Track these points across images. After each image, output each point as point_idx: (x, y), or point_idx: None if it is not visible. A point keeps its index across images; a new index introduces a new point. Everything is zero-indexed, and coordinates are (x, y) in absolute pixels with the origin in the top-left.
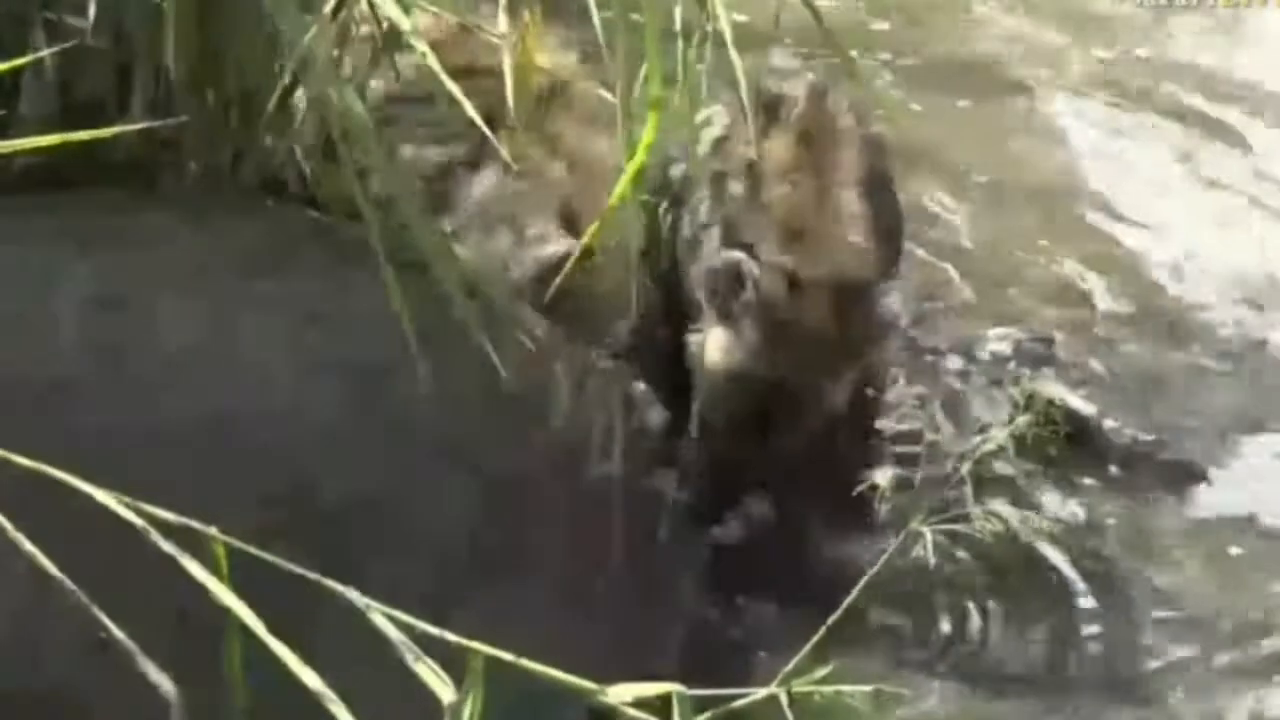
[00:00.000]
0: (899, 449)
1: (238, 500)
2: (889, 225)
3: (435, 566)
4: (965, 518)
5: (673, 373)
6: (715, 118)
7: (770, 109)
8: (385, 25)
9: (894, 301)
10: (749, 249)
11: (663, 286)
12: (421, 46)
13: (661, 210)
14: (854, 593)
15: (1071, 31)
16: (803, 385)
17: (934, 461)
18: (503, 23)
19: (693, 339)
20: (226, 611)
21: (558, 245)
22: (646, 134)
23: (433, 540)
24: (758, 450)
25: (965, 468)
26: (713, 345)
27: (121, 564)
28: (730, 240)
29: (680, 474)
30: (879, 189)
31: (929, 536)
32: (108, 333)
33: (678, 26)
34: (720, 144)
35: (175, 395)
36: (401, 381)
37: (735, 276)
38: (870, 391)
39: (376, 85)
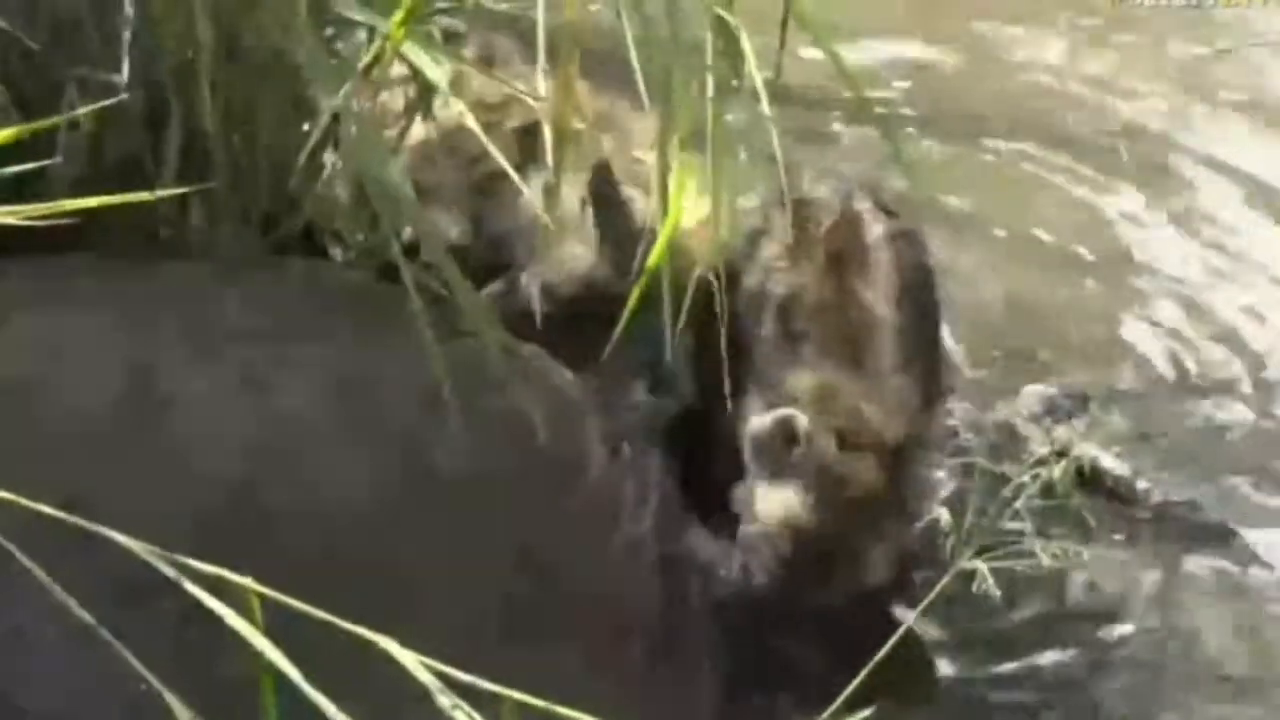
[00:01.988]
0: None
1: (268, 564)
2: (930, 337)
3: (466, 631)
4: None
5: (704, 463)
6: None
7: (798, 214)
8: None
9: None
10: (781, 394)
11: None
12: (458, 104)
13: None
14: (900, 632)
15: (1103, 81)
16: (851, 544)
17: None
18: (540, 81)
19: (739, 491)
20: (261, 659)
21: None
22: (674, 202)
23: (464, 606)
24: (795, 604)
25: (1019, 503)
26: (762, 498)
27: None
28: (767, 389)
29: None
30: (917, 294)
31: (984, 571)
32: (140, 395)
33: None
34: (757, 239)
35: (206, 458)
36: (436, 444)
37: (787, 435)
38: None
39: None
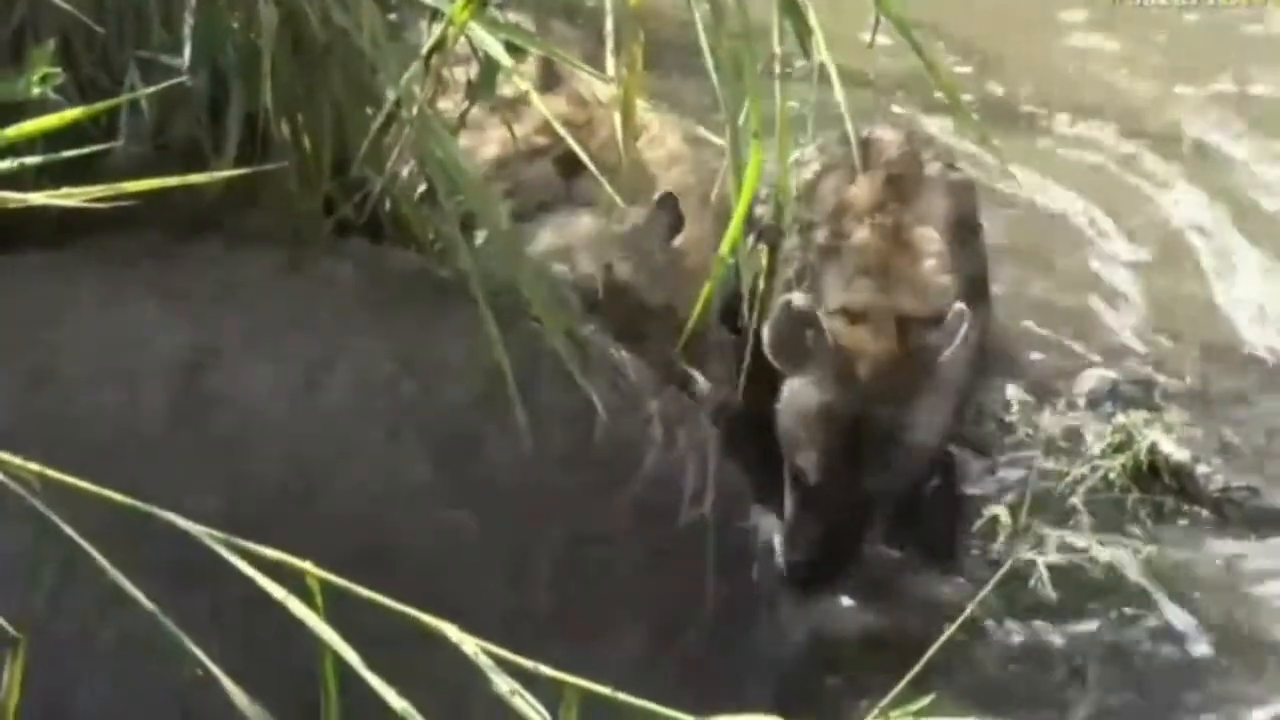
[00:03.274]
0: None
1: (325, 552)
2: (971, 269)
3: (522, 619)
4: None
5: (759, 435)
6: (807, 159)
7: (861, 153)
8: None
9: (970, 337)
10: (820, 294)
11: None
12: (523, 84)
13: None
14: (958, 622)
15: (1159, 69)
16: (881, 413)
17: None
18: (609, 65)
19: (777, 400)
20: (321, 644)
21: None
22: (749, 176)
23: (520, 594)
24: (854, 490)
25: (1077, 497)
26: (788, 393)
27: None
28: (804, 287)
29: (785, 538)
30: (965, 234)
31: (1042, 567)
32: (203, 387)
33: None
34: (811, 187)
35: (263, 450)
36: (493, 433)
37: (800, 322)
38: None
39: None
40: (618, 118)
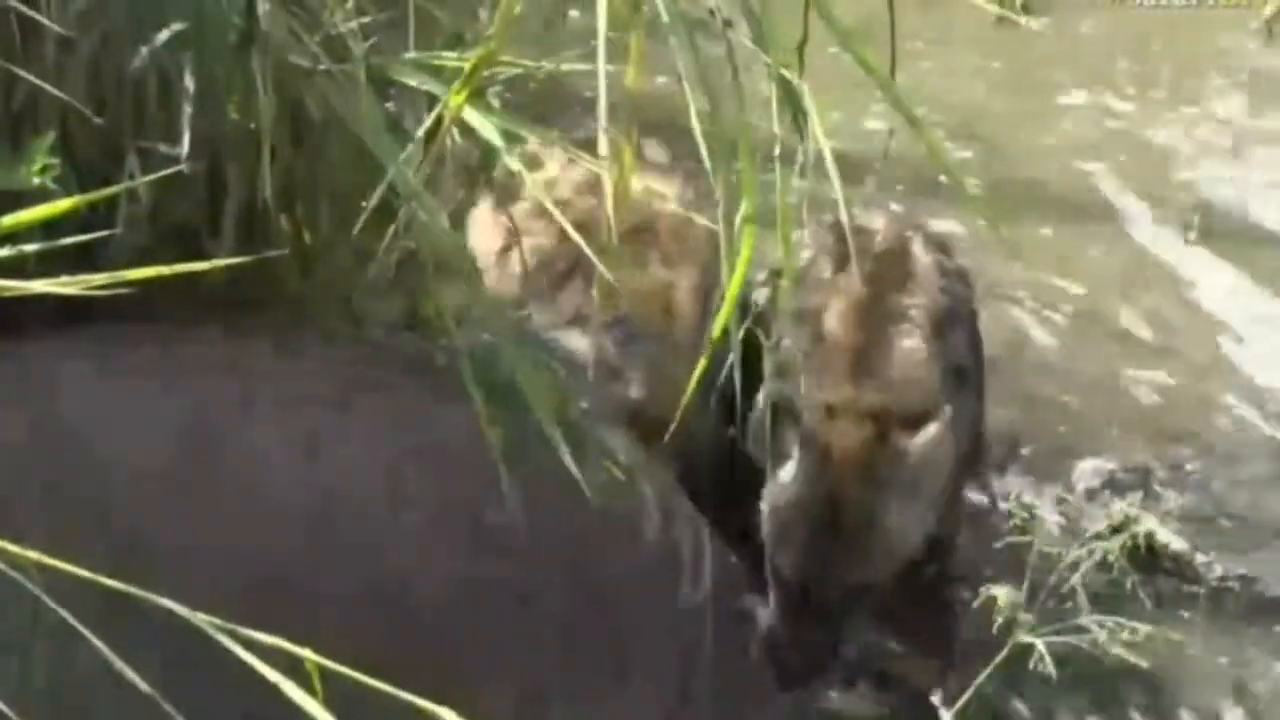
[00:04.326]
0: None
1: (327, 625)
2: (962, 360)
3: (529, 695)
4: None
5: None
6: (799, 246)
7: (850, 242)
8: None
9: (954, 432)
10: (801, 386)
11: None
12: (516, 165)
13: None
14: (961, 701)
15: (1157, 158)
16: (856, 509)
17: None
18: (602, 145)
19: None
20: None
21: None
22: (741, 261)
23: (523, 670)
24: (832, 587)
25: (1075, 579)
26: (770, 485)
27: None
28: (787, 378)
29: (766, 636)
30: (956, 325)
31: (1041, 648)
32: (205, 455)
33: (776, 151)
34: (799, 274)
35: (271, 514)
36: (496, 506)
37: (779, 415)
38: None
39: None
40: (609, 199)
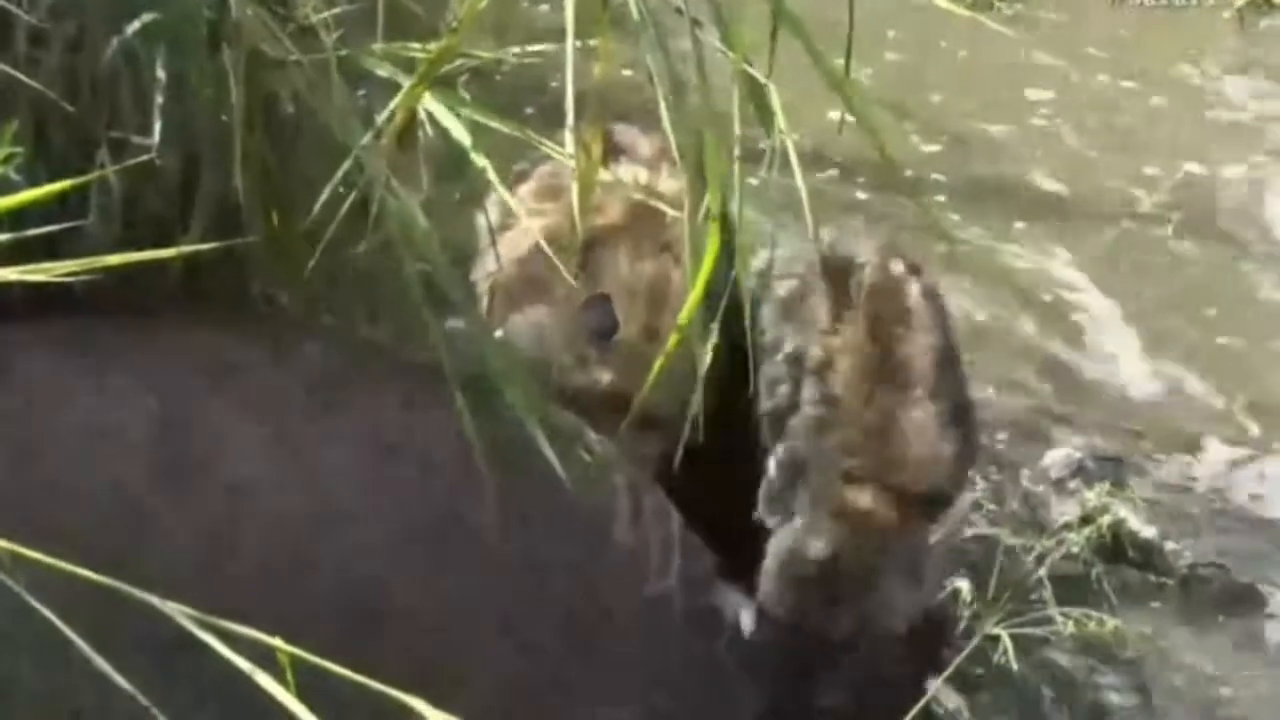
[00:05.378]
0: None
1: (304, 627)
2: (957, 400)
3: (505, 690)
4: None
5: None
6: (777, 262)
7: (838, 276)
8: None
9: (963, 507)
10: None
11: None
12: (482, 162)
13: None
14: (926, 697)
15: (1131, 150)
16: (859, 576)
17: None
18: (569, 143)
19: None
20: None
21: (608, 374)
22: (707, 259)
23: (501, 665)
24: (823, 632)
25: (1042, 571)
26: (774, 536)
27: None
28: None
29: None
30: (948, 369)
31: (1008, 641)
32: (173, 459)
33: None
34: (789, 307)
35: (255, 513)
36: (476, 502)
37: (796, 472)
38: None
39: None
40: (575, 195)
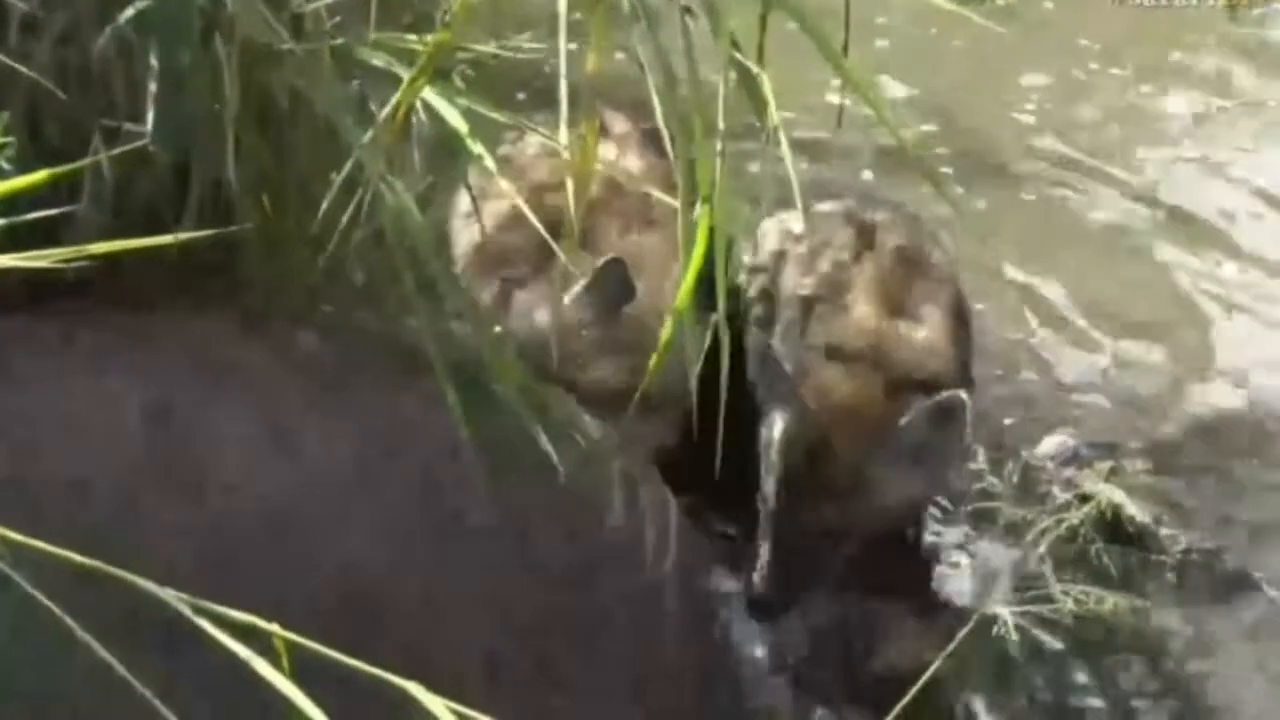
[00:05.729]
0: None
1: (292, 609)
2: (964, 356)
3: (494, 669)
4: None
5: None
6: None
7: (863, 234)
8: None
9: (961, 405)
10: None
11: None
12: (478, 149)
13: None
14: (928, 674)
15: (1121, 134)
16: (846, 460)
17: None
18: (563, 132)
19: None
20: (291, 707)
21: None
22: (699, 239)
23: (491, 651)
24: (812, 524)
25: (1042, 547)
26: (766, 424)
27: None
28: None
29: (744, 566)
30: (961, 323)
31: (1008, 618)
32: (173, 437)
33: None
34: (807, 261)
35: (241, 496)
36: (463, 487)
37: (779, 356)
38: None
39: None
40: (569, 184)
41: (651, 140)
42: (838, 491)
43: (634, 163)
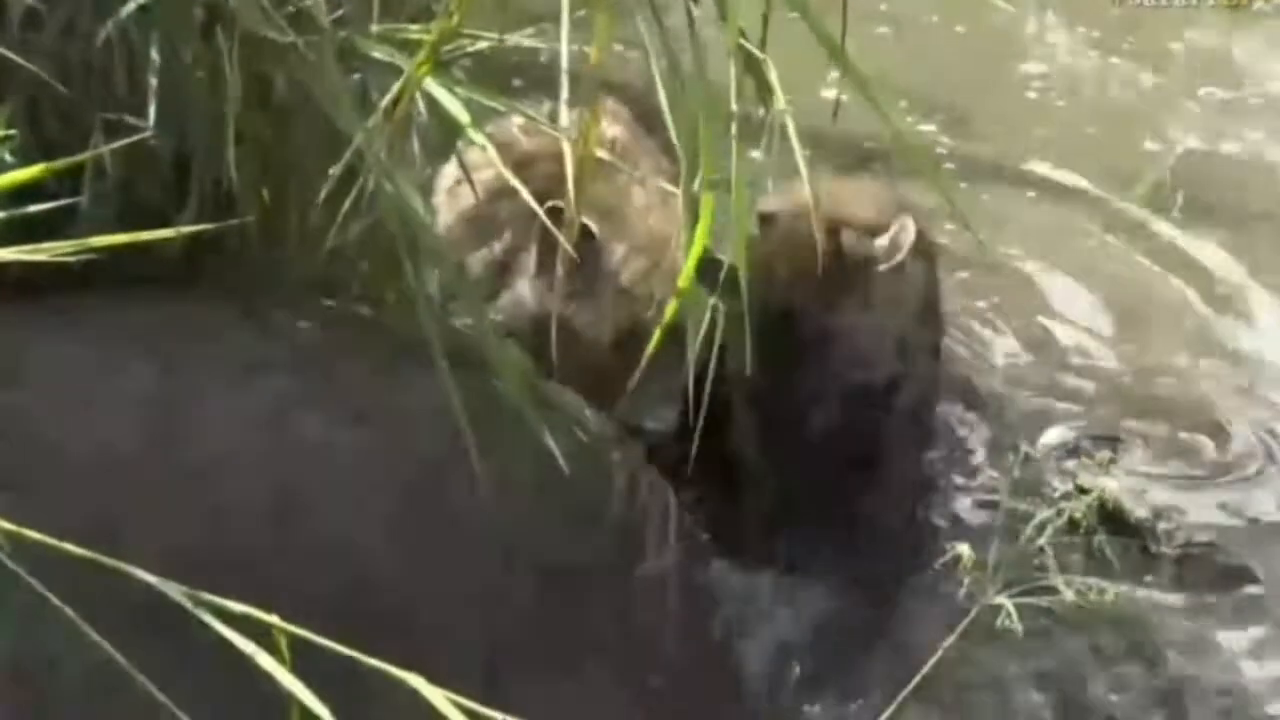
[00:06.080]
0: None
1: (291, 596)
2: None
3: (491, 658)
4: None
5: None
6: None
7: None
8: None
9: (892, 244)
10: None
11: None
12: (481, 140)
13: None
14: (928, 665)
15: (1122, 125)
16: (810, 315)
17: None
18: (564, 117)
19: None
20: (290, 698)
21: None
22: (700, 230)
23: (486, 637)
24: (787, 391)
25: (1043, 538)
26: None
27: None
28: None
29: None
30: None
31: (1010, 608)
32: (173, 420)
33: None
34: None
35: (240, 479)
36: (460, 475)
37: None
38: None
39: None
40: (569, 171)
41: (637, 117)
42: (808, 349)
43: (617, 131)
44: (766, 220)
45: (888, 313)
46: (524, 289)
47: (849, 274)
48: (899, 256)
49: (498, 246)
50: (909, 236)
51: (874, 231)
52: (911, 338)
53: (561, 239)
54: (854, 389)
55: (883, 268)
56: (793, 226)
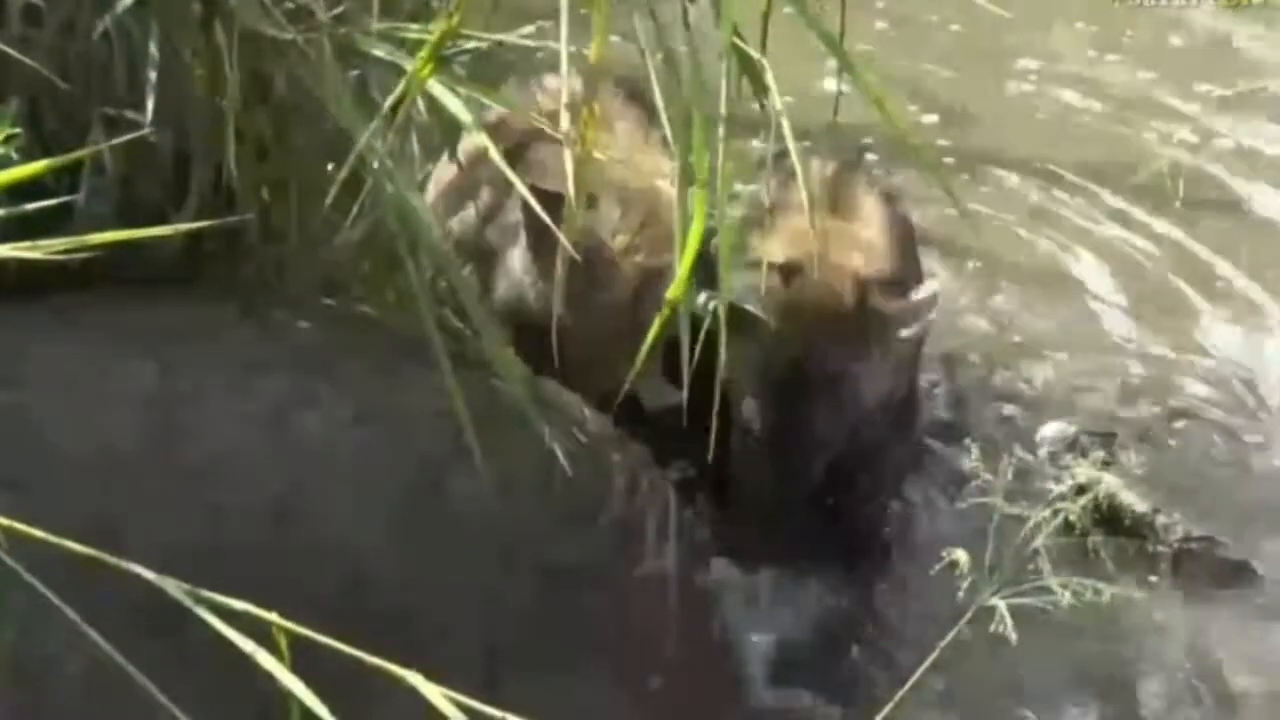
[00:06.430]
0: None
1: (291, 595)
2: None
3: (491, 658)
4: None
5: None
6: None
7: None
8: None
9: (918, 307)
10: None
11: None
12: (483, 139)
13: None
14: (923, 667)
15: (1119, 122)
16: (817, 359)
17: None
18: (564, 118)
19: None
20: (290, 697)
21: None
22: (695, 227)
23: (485, 635)
24: (796, 444)
25: (1039, 540)
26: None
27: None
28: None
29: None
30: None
31: (1004, 611)
32: (173, 419)
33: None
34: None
35: (240, 479)
36: (460, 474)
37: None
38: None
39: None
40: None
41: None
42: (822, 389)
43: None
44: (791, 270)
45: (900, 361)
46: (515, 261)
47: (870, 330)
48: (920, 325)
49: (477, 206)
50: (933, 302)
51: (899, 287)
52: (914, 370)
53: (549, 221)
54: (858, 422)
55: (904, 334)
56: (818, 283)
